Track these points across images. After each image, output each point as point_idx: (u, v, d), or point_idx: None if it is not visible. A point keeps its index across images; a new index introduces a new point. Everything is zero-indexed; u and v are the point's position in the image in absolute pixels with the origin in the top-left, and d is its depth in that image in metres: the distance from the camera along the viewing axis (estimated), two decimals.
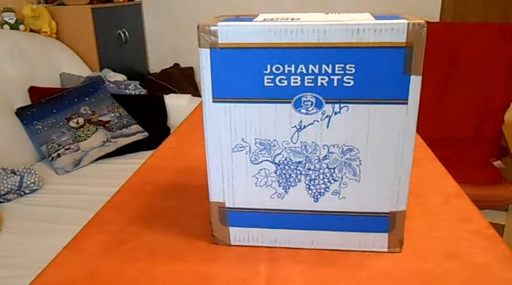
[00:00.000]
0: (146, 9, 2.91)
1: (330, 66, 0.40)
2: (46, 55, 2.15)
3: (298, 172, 0.44)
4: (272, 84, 0.41)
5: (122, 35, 2.63)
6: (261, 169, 0.45)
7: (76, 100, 1.96)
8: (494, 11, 2.44)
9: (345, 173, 0.44)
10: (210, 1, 2.82)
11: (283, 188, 0.45)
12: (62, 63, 2.22)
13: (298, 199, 0.46)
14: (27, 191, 1.60)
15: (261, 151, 0.44)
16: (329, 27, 0.39)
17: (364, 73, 0.40)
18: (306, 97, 0.41)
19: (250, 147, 0.44)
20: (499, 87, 1.86)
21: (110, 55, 2.51)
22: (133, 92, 2.26)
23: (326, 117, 0.42)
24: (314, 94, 0.41)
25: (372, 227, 0.46)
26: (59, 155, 1.77)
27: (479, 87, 1.88)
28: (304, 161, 0.44)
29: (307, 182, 0.45)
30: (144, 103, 2.24)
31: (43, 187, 1.64)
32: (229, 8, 2.80)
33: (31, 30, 2.26)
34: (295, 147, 0.44)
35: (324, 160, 0.44)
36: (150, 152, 1.56)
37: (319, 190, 0.45)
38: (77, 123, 1.89)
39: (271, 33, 0.40)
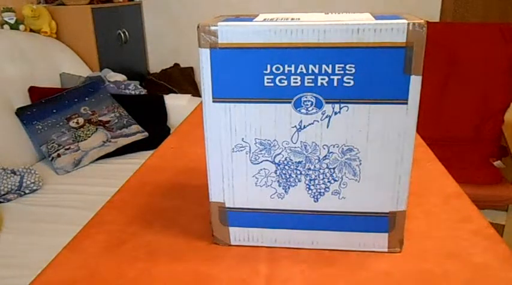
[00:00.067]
0: (146, 9, 2.91)
1: (330, 66, 0.40)
2: (46, 55, 2.15)
3: (298, 172, 0.44)
4: (272, 84, 0.41)
5: (122, 35, 2.63)
6: (261, 169, 0.45)
7: (76, 100, 1.96)
8: (494, 11, 2.44)
9: (345, 173, 0.44)
10: (210, 1, 2.82)
11: (283, 188, 0.45)
12: (62, 63, 2.22)
13: (298, 199, 0.46)
14: (27, 191, 1.60)
15: (261, 151, 0.44)
16: (329, 27, 0.39)
17: (364, 73, 0.40)
18: (306, 97, 0.41)
19: (250, 147, 0.44)
20: (499, 87, 1.86)
21: (110, 55, 2.51)
22: (133, 92, 2.26)
23: (326, 117, 0.42)
24: (314, 94, 0.41)
25: (371, 227, 0.46)
26: (59, 155, 1.77)
27: (479, 87, 1.88)
28: (304, 161, 0.44)
29: (307, 182, 0.45)
30: (144, 103, 2.24)
31: (43, 187, 1.64)
32: (229, 8, 2.80)
33: (31, 30, 2.26)
34: (295, 147, 0.44)
35: (324, 160, 0.44)
36: (150, 152, 1.57)
37: (319, 190, 0.45)
38: (77, 123, 1.89)
39: (271, 33, 0.40)
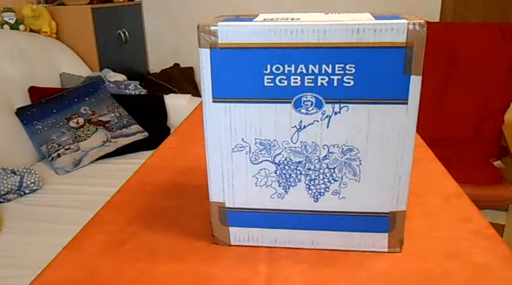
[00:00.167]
0: (146, 9, 2.91)
1: (330, 66, 0.40)
2: (46, 55, 2.15)
3: (298, 172, 0.44)
4: (272, 84, 0.41)
5: (122, 35, 2.63)
6: (261, 169, 0.45)
7: (76, 100, 1.96)
8: (494, 11, 2.44)
9: (345, 173, 0.44)
10: (210, 1, 2.82)
11: (283, 188, 0.45)
12: (62, 63, 2.22)
13: (298, 199, 0.46)
14: (27, 191, 1.60)
15: (261, 151, 0.44)
16: (329, 27, 0.39)
17: (364, 73, 0.40)
18: (306, 97, 0.41)
19: (250, 147, 0.44)
20: (499, 87, 1.86)
21: (110, 55, 2.51)
22: (133, 92, 2.26)
23: (326, 117, 0.42)
24: (314, 94, 0.41)
25: (372, 227, 0.46)
26: (59, 155, 1.77)
27: (479, 87, 1.88)
28: (304, 161, 0.44)
29: (307, 182, 0.45)
30: (144, 103, 2.24)
31: (43, 187, 1.64)
32: (229, 8, 2.80)
33: (31, 30, 2.26)
34: (295, 147, 0.44)
35: (324, 160, 0.44)
36: (150, 152, 1.57)
37: (319, 190, 0.45)
38: (77, 123, 1.89)
39: (271, 33, 0.40)
